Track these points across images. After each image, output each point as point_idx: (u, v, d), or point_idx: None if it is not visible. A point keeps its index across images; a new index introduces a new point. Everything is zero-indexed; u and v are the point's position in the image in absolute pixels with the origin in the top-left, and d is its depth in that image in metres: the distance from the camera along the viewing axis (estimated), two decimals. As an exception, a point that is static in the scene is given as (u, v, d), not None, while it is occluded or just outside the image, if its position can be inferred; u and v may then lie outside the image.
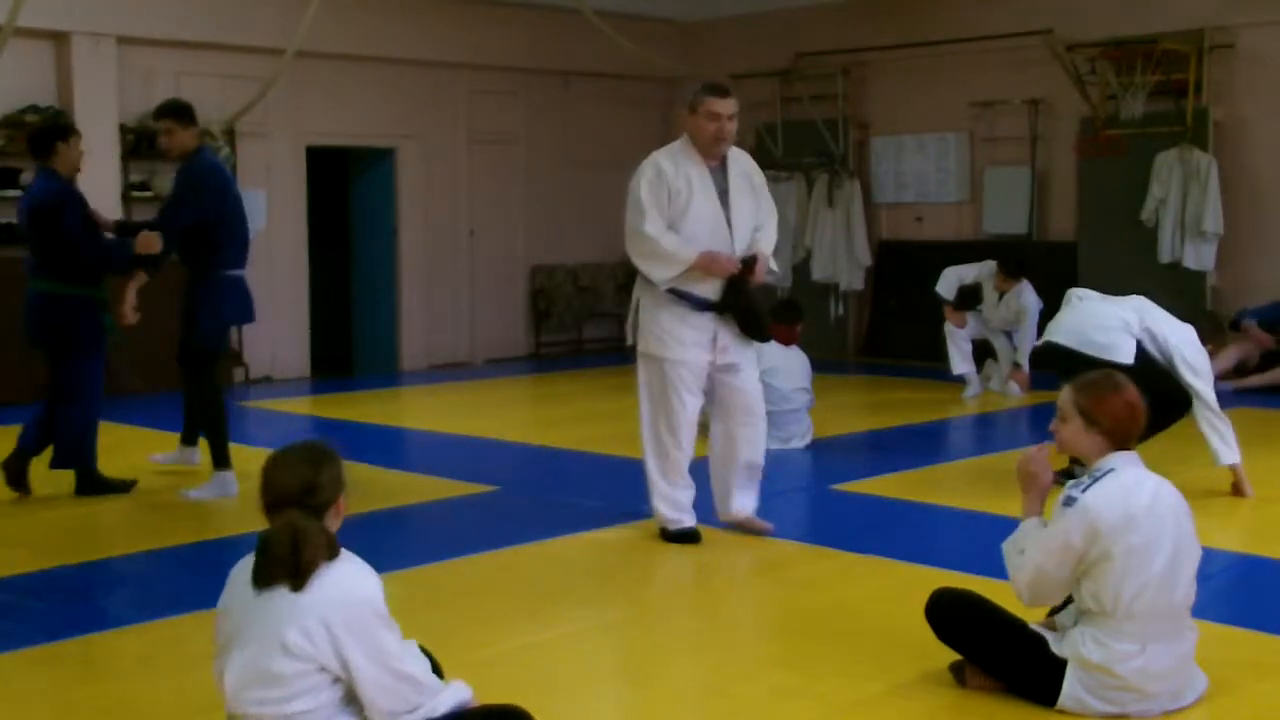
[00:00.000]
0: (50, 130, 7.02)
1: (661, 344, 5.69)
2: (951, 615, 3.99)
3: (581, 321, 14.04)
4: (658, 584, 5.23)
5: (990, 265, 10.34)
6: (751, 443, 5.85)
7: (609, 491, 7.03)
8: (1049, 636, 3.84)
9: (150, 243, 6.75)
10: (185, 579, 5.38)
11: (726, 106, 5.57)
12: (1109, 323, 6.57)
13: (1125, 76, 11.06)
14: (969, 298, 10.43)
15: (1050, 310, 10.45)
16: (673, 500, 5.84)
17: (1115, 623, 3.71)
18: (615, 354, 13.56)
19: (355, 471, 8.01)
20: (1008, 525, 6.08)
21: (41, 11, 9.63)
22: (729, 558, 5.65)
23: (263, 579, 3.02)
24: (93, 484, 6.86)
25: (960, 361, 10.35)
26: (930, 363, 11.44)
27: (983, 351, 10.61)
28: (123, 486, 6.94)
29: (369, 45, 12.04)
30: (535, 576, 5.32)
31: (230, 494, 6.80)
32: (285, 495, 3.09)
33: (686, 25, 14.36)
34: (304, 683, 3.00)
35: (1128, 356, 6.33)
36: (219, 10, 11.14)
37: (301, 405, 9.09)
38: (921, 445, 8.40)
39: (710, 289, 5.59)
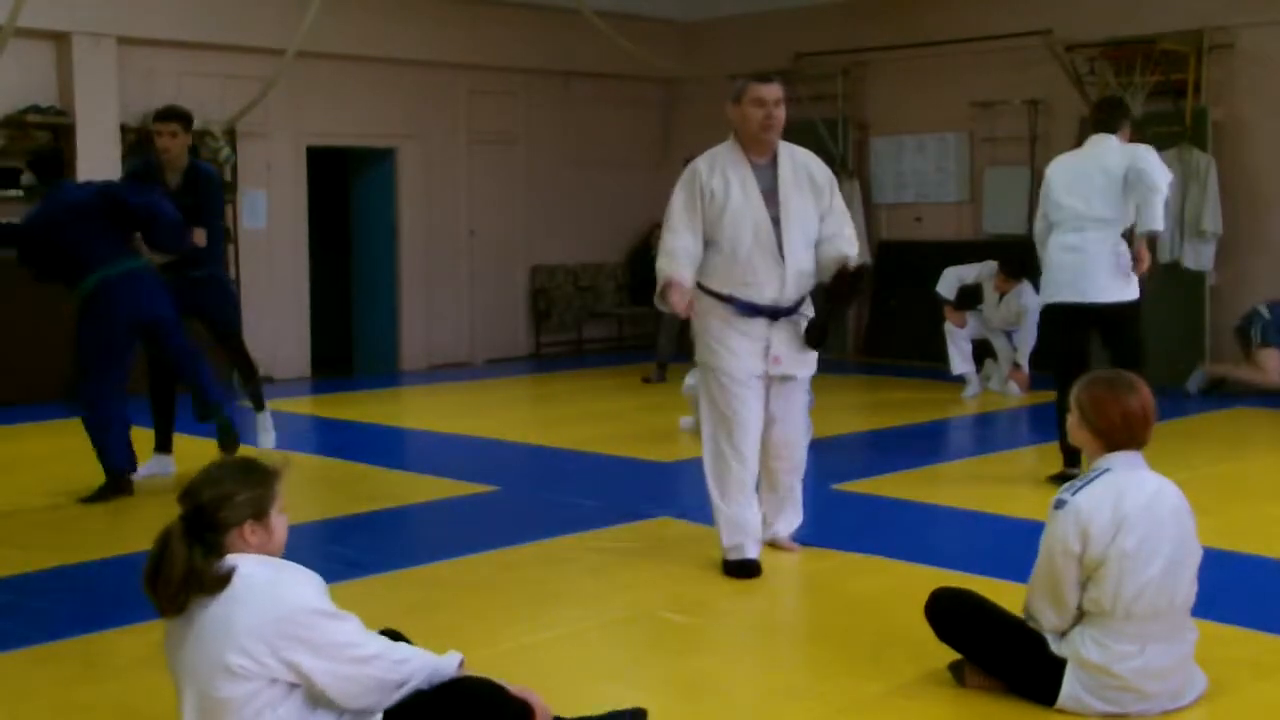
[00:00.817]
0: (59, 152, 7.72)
1: (711, 352, 5.31)
2: (951, 614, 3.99)
3: (581, 321, 14.04)
4: (658, 584, 5.23)
5: (991, 265, 10.35)
6: (791, 473, 5.52)
7: (609, 491, 7.04)
8: (1048, 637, 3.84)
9: (201, 237, 7.30)
10: (185, 579, 5.37)
11: (772, 91, 5.24)
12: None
13: (1125, 77, 11.06)
14: (969, 298, 10.44)
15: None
16: (734, 522, 5.33)
17: (1115, 623, 3.71)
18: (615, 354, 13.57)
19: (356, 471, 8.07)
20: (1008, 525, 6.12)
21: (41, 11, 9.63)
22: (729, 558, 5.65)
23: (158, 607, 2.96)
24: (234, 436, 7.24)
25: (960, 361, 10.36)
26: (930, 363, 11.45)
27: (982, 351, 10.62)
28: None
29: (369, 45, 12.04)
30: (535, 576, 5.32)
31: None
32: (187, 501, 3.00)
33: (686, 25, 14.37)
34: (259, 700, 2.91)
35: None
36: (219, 10, 11.15)
37: (302, 405, 9.09)
38: (921, 445, 8.40)
39: (758, 293, 5.21)
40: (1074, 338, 6.87)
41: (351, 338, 13.10)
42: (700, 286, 5.29)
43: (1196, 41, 10.82)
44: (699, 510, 6.52)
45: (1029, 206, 12.11)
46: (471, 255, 13.17)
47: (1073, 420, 3.89)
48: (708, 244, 5.27)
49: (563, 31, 12.87)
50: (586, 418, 9.57)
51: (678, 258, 5.20)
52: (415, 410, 10.43)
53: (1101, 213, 6.78)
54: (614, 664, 4.33)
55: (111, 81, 10.81)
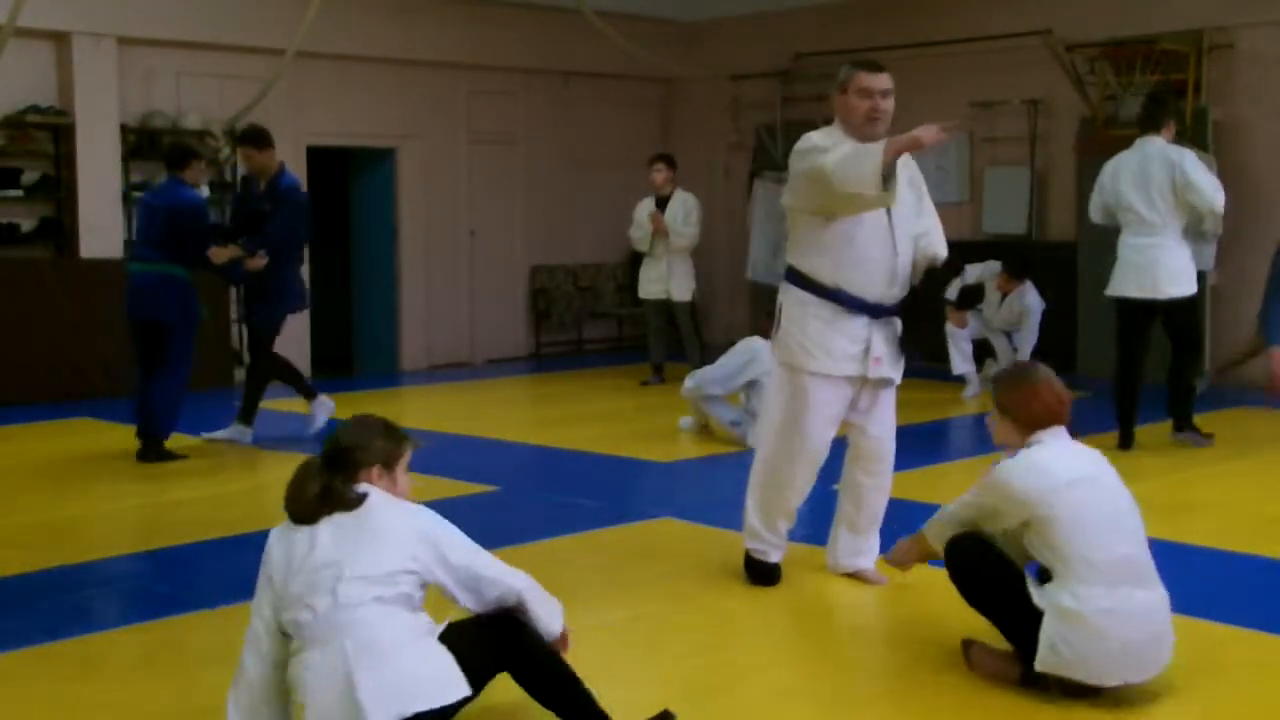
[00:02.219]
0: (186, 150, 8.24)
1: (806, 353, 4.88)
2: (965, 561, 4.10)
3: (581, 321, 14.04)
4: (658, 584, 5.22)
5: (993, 266, 10.35)
6: (880, 491, 5.19)
7: (609, 491, 7.04)
8: (1032, 591, 3.92)
9: (219, 255, 8.05)
10: (185, 579, 5.38)
11: (880, 81, 4.85)
12: None
13: (1125, 77, 11.05)
14: (971, 298, 10.44)
15: (1051, 311, 10.51)
16: (768, 539, 5.13)
17: (1078, 572, 3.83)
18: (615, 354, 13.58)
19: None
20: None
21: (41, 11, 9.63)
22: (730, 557, 5.64)
23: (295, 518, 3.57)
24: (157, 453, 7.78)
25: (961, 361, 10.37)
26: (930, 363, 11.45)
27: (982, 351, 10.61)
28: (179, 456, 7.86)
29: (369, 45, 12.04)
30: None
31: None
32: (330, 442, 3.60)
33: (686, 25, 14.36)
34: (391, 600, 3.37)
35: None
36: (219, 10, 11.14)
37: (302, 405, 9.08)
38: (921, 445, 8.39)
39: (868, 286, 4.84)
40: (1138, 328, 7.79)
41: (351, 338, 13.09)
42: (798, 277, 4.93)
43: (1196, 41, 10.82)
44: (699, 510, 6.52)
45: (1029, 206, 12.13)
46: (471, 255, 13.16)
47: (997, 421, 4.13)
48: (817, 226, 4.85)
49: (562, 31, 12.87)
50: (586, 418, 9.57)
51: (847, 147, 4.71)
52: (415, 410, 10.42)
53: (1164, 215, 7.62)
54: (614, 664, 4.33)
55: (111, 81, 10.80)
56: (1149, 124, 7.76)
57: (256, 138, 8.38)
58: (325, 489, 3.48)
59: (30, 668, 4.32)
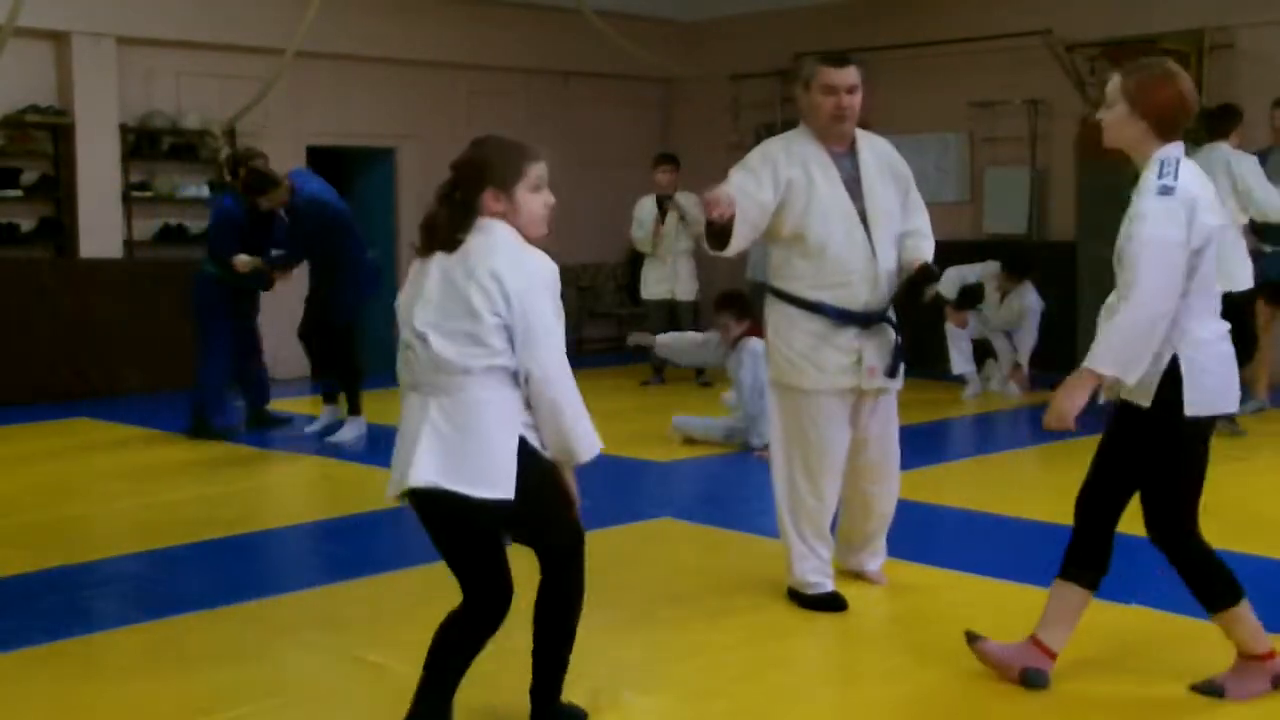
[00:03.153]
0: (264, 178, 8.49)
1: (796, 370, 4.72)
2: None
3: (581, 321, 14.04)
4: (658, 584, 5.22)
5: (993, 265, 10.35)
6: (890, 497, 5.01)
7: (609, 491, 7.03)
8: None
9: (241, 264, 8.53)
10: (185, 579, 5.37)
11: (844, 77, 4.66)
12: None
13: (1125, 77, 11.05)
14: (970, 298, 10.43)
15: (1051, 310, 10.50)
16: (811, 560, 4.83)
17: (1207, 304, 3.79)
18: (615, 354, 13.56)
19: (356, 471, 8.06)
20: (1008, 525, 6.12)
21: (41, 11, 9.63)
22: (729, 558, 5.65)
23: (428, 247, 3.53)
24: (203, 429, 8.55)
25: (961, 362, 10.37)
26: (930, 363, 11.45)
27: (981, 351, 10.62)
28: (227, 435, 8.60)
29: (369, 45, 12.03)
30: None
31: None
32: (454, 164, 3.55)
33: (686, 25, 14.36)
34: (483, 339, 3.38)
35: None
36: (219, 10, 11.14)
37: (302, 405, 9.09)
38: (921, 445, 8.39)
39: (852, 297, 4.68)
40: None
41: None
42: (779, 295, 4.79)
43: (1196, 41, 10.82)
44: (699, 510, 6.52)
45: (1029, 206, 12.13)
46: (471, 255, 13.14)
47: (1118, 115, 3.85)
48: (788, 243, 4.73)
49: (563, 31, 12.86)
50: (586, 418, 9.55)
51: (731, 184, 4.61)
52: (415, 410, 10.41)
53: (1229, 215, 7.69)
54: (614, 664, 4.33)
55: (111, 81, 10.80)
56: (1216, 131, 8.16)
57: (258, 188, 8.38)
58: (428, 224, 3.50)
59: (30, 668, 4.32)
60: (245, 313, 8.92)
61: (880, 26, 12.61)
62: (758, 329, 8.09)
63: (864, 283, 4.68)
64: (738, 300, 8.41)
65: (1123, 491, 3.95)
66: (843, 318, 4.68)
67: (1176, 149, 3.82)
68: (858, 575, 5.12)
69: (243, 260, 8.45)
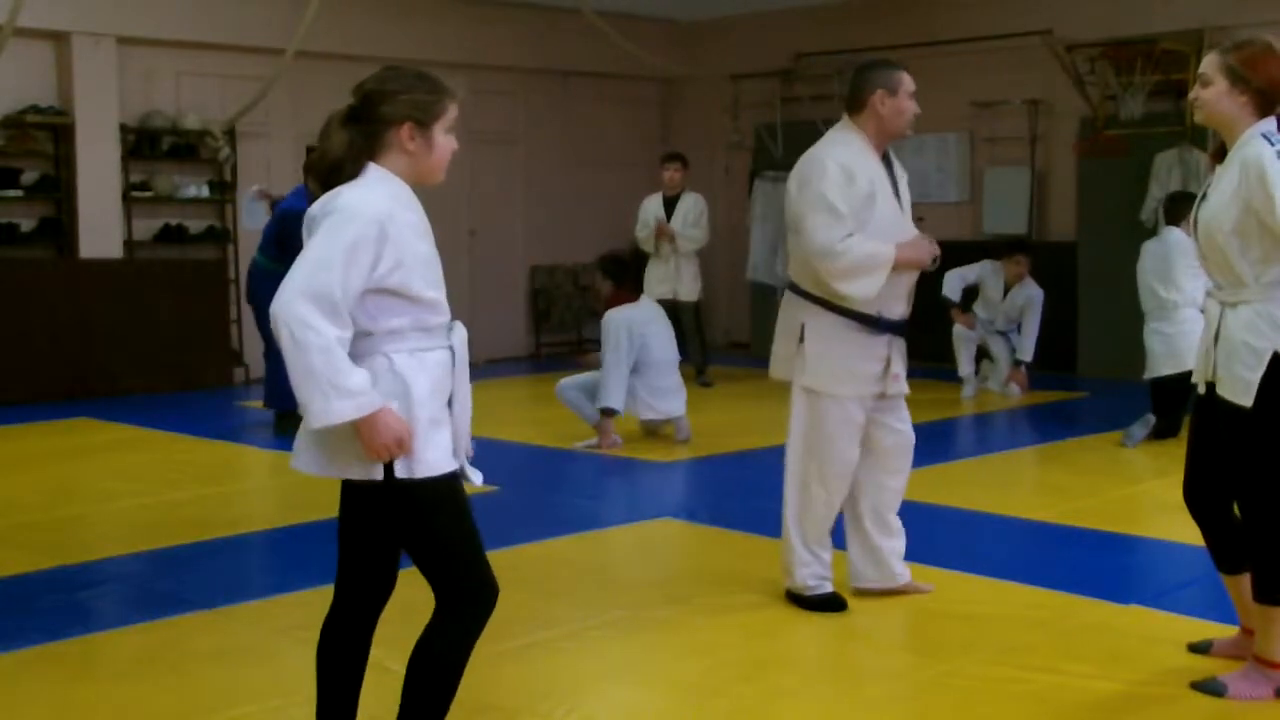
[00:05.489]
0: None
1: (835, 379, 4.70)
2: None
3: (581, 321, 14.03)
4: (658, 584, 5.22)
5: (989, 265, 10.36)
6: (902, 492, 4.98)
7: (609, 491, 7.04)
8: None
9: None
10: (185, 579, 5.37)
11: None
12: None
13: (1125, 76, 11.05)
14: (969, 299, 10.46)
15: (1052, 307, 10.50)
16: (813, 566, 4.84)
17: None
18: (615, 354, 13.55)
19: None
20: (1008, 525, 6.12)
21: (41, 11, 9.64)
22: (729, 558, 5.65)
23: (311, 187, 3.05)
24: (290, 423, 8.35)
25: (965, 363, 10.42)
26: (929, 363, 11.44)
27: (979, 352, 10.63)
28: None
29: (369, 45, 12.01)
30: (535, 576, 5.31)
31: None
32: (356, 91, 3.08)
33: (686, 25, 14.36)
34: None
35: None
36: (219, 10, 11.14)
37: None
38: (922, 445, 8.36)
39: (895, 306, 4.71)
40: None
41: (351, 338, 13.10)
42: (825, 304, 4.69)
43: (1196, 41, 10.81)
44: (699, 510, 6.52)
45: (1029, 206, 12.13)
46: (471, 255, 13.16)
47: (1217, 91, 3.80)
48: None
49: (562, 31, 12.87)
50: (586, 418, 9.56)
51: (864, 238, 4.60)
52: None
53: None
54: (614, 664, 4.33)
55: (111, 81, 10.80)
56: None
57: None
58: (320, 158, 3.01)
59: (30, 668, 4.32)
60: None
61: (880, 26, 12.61)
62: (629, 295, 8.38)
63: (905, 292, 4.78)
64: (613, 263, 8.69)
65: (1230, 487, 3.88)
66: (887, 327, 4.72)
67: (1272, 123, 3.77)
68: (903, 590, 4.93)
69: None
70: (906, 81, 4.76)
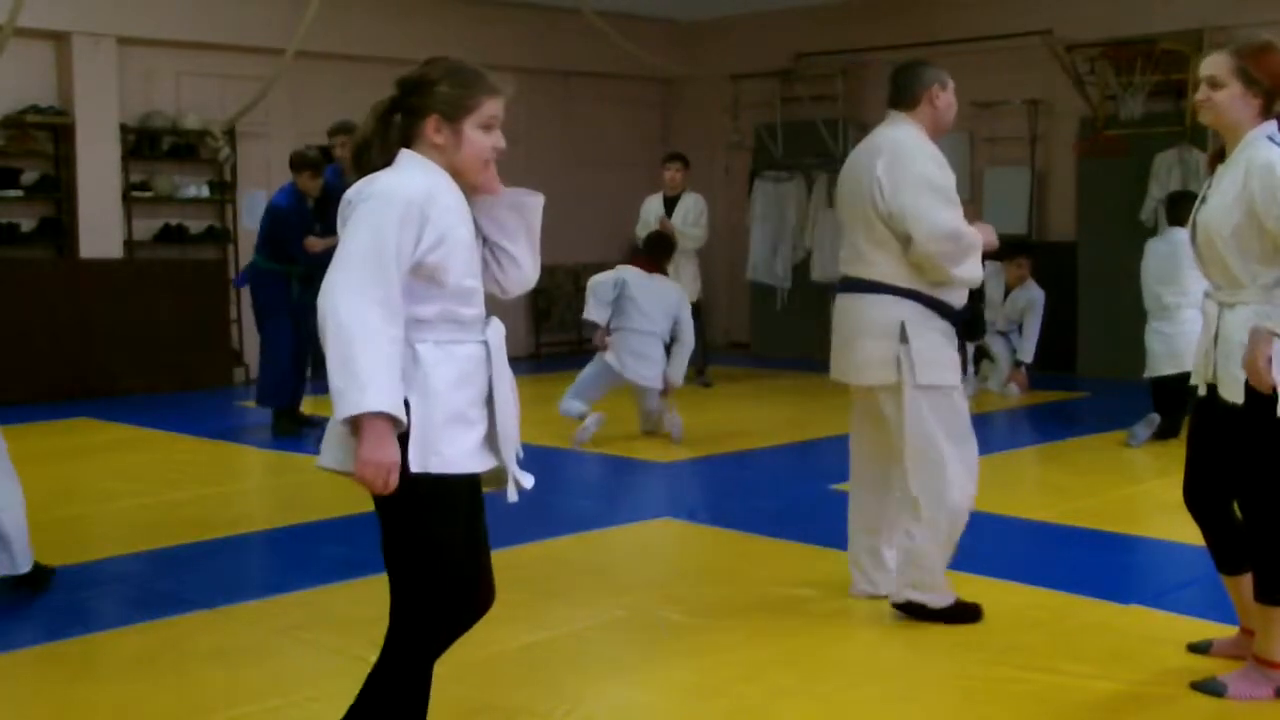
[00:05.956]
0: (297, 157, 8.80)
1: (949, 370, 4.60)
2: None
3: (581, 321, 14.02)
4: (657, 584, 5.22)
5: (990, 266, 10.35)
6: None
7: (609, 491, 7.04)
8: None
9: (313, 244, 8.39)
10: (185, 579, 5.37)
11: None
12: None
13: (1125, 76, 11.06)
14: (973, 298, 10.46)
15: (1052, 308, 10.50)
16: (942, 580, 4.63)
17: None
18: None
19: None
20: (1008, 525, 6.11)
21: (41, 11, 9.64)
22: (729, 558, 5.65)
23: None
24: (286, 422, 8.61)
25: (966, 363, 10.41)
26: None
27: (977, 352, 10.63)
28: (313, 422, 8.49)
29: (369, 45, 12.03)
30: (535, 576, 5.31)
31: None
32: (399, 82, 3.01)
33: (686, 25, 14.36)
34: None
35: None
36: (219, 10, 11.15)
37: (303, 405, 9.07)
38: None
39: (963, 295, 4.72)
40: None
41: (351, 338, 13.09)
42: (915, 297, 4.60)
43: (1196, 41, 10.82)
44: (699, 510, 6.53)
45: (1029, 206, 12.13)
46: (471, 255, 13.15)
47: (1230, 94, 3.75)
48: None
49: (563, 31, 12.87)
50: (586, 418, 9.56)
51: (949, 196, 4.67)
52: (415, 410, 10.44)
53: None
54: (614, 664, 4.33)
55: (111, 81, 10.81)
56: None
57: (311, 164, 8.64)
58: (357, 144, 2.99)
59: (30, 668, 4.32)
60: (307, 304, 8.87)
61: (880, 26, 12.62)
62: (644, 262, 8.64)
63: None
64: (649, 236, 9.25)
65: (1230, 488, 3.87)
66: (956, 317, 4.70)
67: (1273, 125, 3.76)
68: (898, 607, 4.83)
69: (313, 241, 8.37)
70: (951, 80, 4.85)
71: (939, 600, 4.58)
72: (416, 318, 2.88)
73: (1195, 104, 3.91)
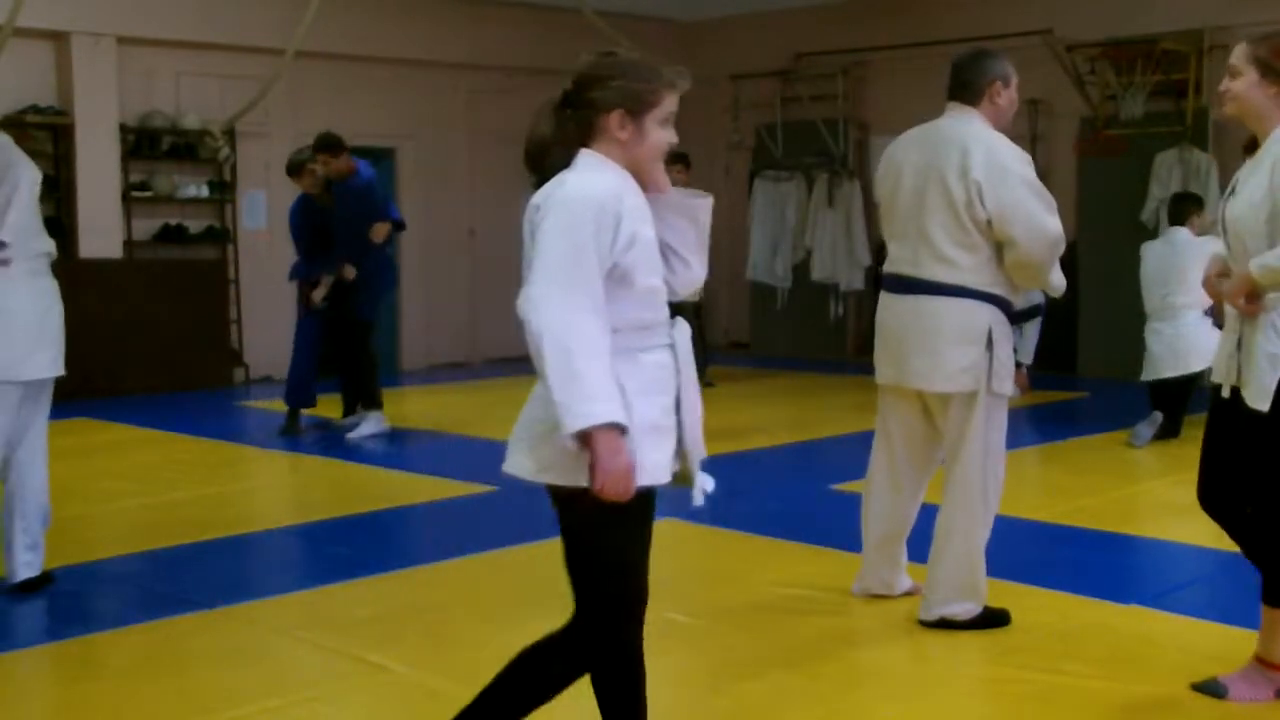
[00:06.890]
0: (292, 161, 8.92)
1: (1010, 378, 4.54)
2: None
3: (582, 320, 14.02)
4: (657, 584, 5.20)
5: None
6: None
7: (609, 491, 7.01)
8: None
9: (382, 231, 8.70)
10: (185, 579, 5.37)
11: None
12: None
13: (1125, 76, 11.05)
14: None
15: (1052, 308, 10.48)
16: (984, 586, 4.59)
17: None
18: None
19: (356, 471, 8.05)
20: (1008, 525, 6.10)
21: (41, 11, 9.63)
22: (728, 558, 5.64)
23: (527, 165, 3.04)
24: (292, 422, 8.78)
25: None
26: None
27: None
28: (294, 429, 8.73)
29: (369, 45, 12.04)
30: (535, 576, 5.31)
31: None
32: (575, 77, 2.97)
33: (686, 25, 14.36)
34: None
35: None
36: (219, 10, 11.15)
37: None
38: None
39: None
40: None
41: (351, 338, 13.09)
42: (996, 302, 4.51)
43: (1196, 41, 10.82)
44: (699, 510, 6.51)
45: (1029, 206, 12.12)
46: (471, 255, 13.16)
47: (1247, 82, 3.74)
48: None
49: (563, 31, 12.85)
50: (586, 418, 9.55)
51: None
52: (415, 410, 10.41)
53: None
54: (614, 664, 4.32)
55: (111, 81, 10.81)
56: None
57: (333, 145, 8.54)
58: (537, 142, 3.01)
59: (30, 668, 4.32)
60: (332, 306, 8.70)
61: (880, 26, 12.62)
62: None
63: None
64: None
65: (1248, 492, 3.85)
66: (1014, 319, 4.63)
67: None
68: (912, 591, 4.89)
69: (319, 295, 8.59)
70: (1015, 75, 4.66)
71: (970, 611, 4.52)
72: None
73: (1218, 96, 3.88)
